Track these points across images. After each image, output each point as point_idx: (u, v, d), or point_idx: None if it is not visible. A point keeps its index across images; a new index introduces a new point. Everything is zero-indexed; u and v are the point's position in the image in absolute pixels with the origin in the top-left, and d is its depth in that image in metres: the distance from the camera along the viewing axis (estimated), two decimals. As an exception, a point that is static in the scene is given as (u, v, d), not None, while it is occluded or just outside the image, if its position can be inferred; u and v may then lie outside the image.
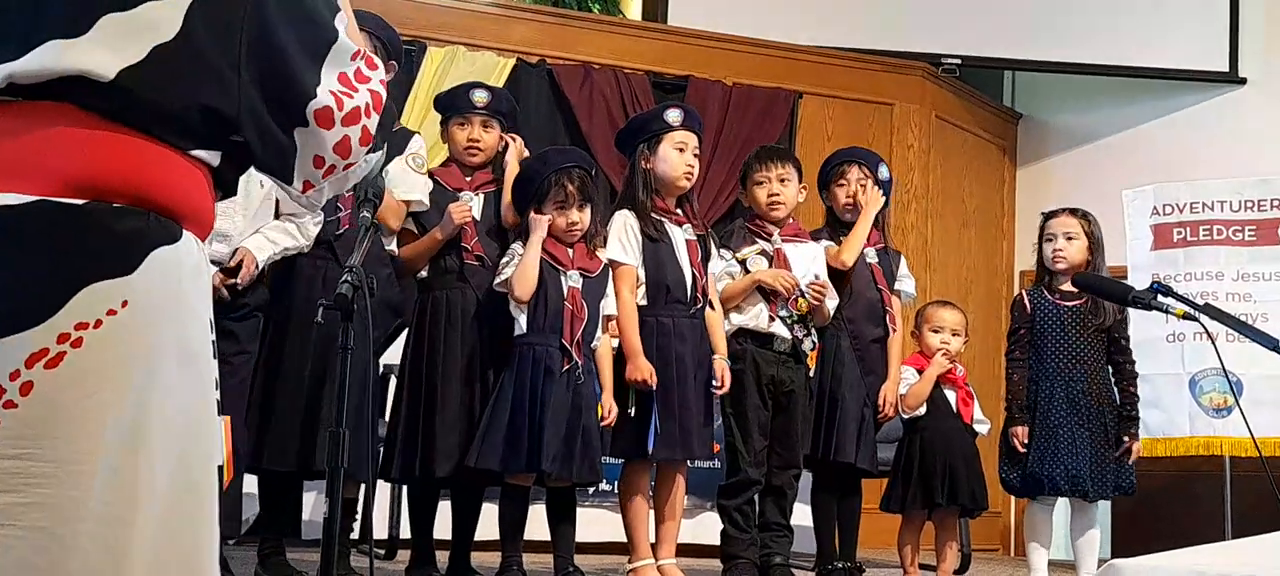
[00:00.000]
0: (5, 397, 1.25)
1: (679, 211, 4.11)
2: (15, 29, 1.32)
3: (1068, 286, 4.61)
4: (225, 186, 1.45)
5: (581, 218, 3.93)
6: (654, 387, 3.89)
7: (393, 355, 4.34)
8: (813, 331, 4.33)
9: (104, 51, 1.31)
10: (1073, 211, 4.73)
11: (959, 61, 7.47)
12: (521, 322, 3.85)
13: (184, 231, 1.36)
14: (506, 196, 4.04)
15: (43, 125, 1.30)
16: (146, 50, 1.33)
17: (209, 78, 1.36)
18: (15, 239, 1.27)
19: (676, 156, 4.06)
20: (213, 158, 1.40)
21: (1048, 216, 4.77)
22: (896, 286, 4.65)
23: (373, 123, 1.46)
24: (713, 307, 4.13)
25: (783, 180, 4.35)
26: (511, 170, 4.07)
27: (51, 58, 1.30)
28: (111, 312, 1.28)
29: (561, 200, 3.90)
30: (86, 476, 1.26)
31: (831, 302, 4.34)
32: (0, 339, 1.25)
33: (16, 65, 1.30)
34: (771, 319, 4.23)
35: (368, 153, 1.47)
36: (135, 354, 1.30)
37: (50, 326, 1.26)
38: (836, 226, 4.61)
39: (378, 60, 1.50)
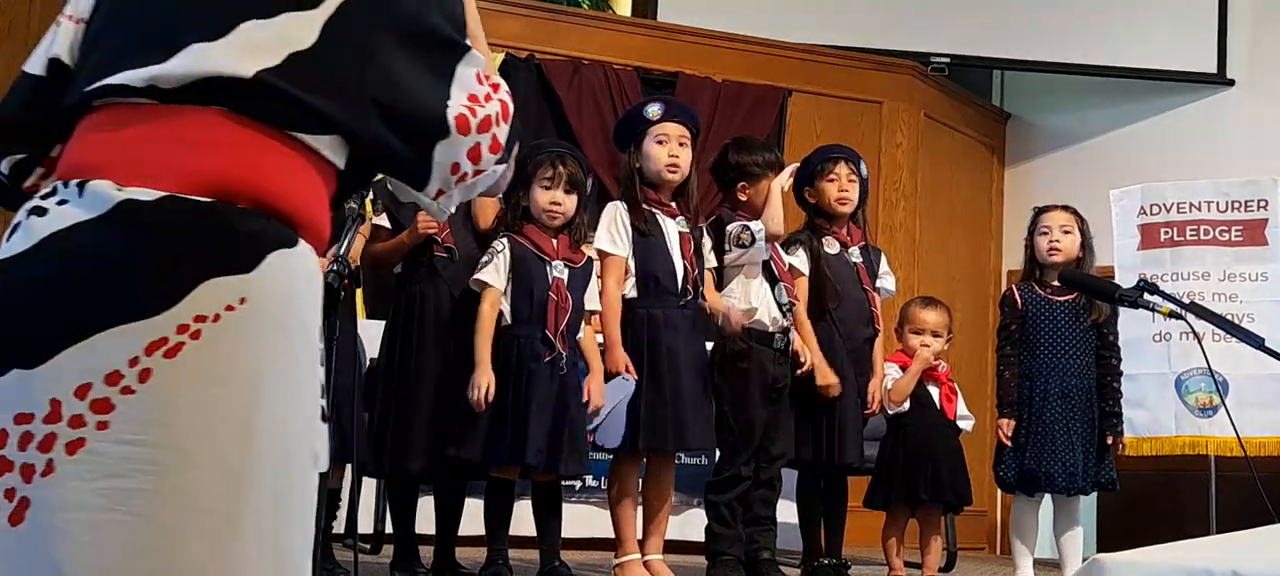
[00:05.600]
0: (123, 383, 1.27)
1: (672, 204, 4.11)
2: (161, 35, 1.39)
3: (1058, 282, 4.63)
4: (345, 194, 1.51)
5: (565, 202, 3.91)
6: (633, 378, 3.89)
7: (373, 348, 4.32)
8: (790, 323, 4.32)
9: (242, 54, 1.37)
10: (1066, 208, 4.75)
11: (948, 60, 7.48)
12: (506, 314, 3.84)
13: (299, 239, 1.39)
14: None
15: (178, 126, 1.36)
16: (283, 56, 1.39)
17: (340, 90, 1.42)
18: (143, 231, 1.31)
19: (658, 150, 4.05)
20: (341, 156, 1.44)
21: (1040, 211, 4.78)
22: (877, 283, 4.65)
23: (502, 132, 1.51)
24: (705, 299, 4.13)
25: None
26: None
27: (192, 61, 1.36)
28: (230, 308, 1.31)
29: (548, 178, 3.89)
30: (195, 468, 1.28)
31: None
32: (123, 326, 1.28)
33: (159, 68, 1.36)
34: (780, 305, 4.21)
35: (497, 161, 1.52)
36: (250, 351, 1.32)
37: (171, 316, 1.29)
38: (825, 221, 4.59)
39: (500, 80, 1.55)
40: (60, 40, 1.52)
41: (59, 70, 1.51)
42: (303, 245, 1.40)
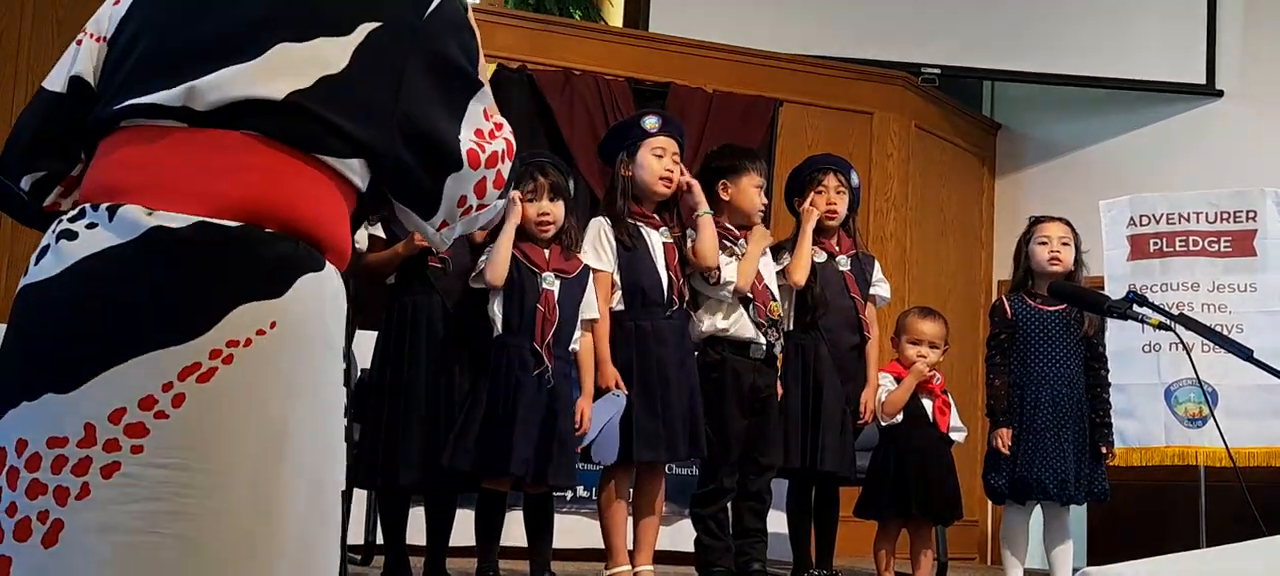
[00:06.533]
0: (157, 408, 1.29)
1: (656, 216, 4.11)
2: (195, 56, 1.41)
3: (1048, 293, 4.64)
4: (362, 217, 1.54)
5: (553, 210, 3.92)
6: (624, 393, 3.89)
7: (365, 359, 4.32)
8: (782, 334, 4.34)
9: (274, 76, 1.40)
10: (1064, 220, 4.78)
11: (939, 71, 7.50)
12: (498, 324, 3.84)
13: (326, 261, 1.42)
14: None
15: (208, 150, 1.37)
16: (314, 78, 1.41)
17: (368, 115, 1.44)
18: (175, 257, 1.32)
19: (654, 162, 4.06)
20: (364, 179, 1.46)
21: (1037, 221, 4.81)
22: (871, 291, 4.66)
23: (506, 168, 1.56)
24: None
25: (759, 187, 4.37)
26: None
27: (226, 83, 1.38)
28: (261, 332, 1.33)
29: (531, 190, 3.90)
30: (229, 490, 1.30)
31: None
32: (156, 351, 1.30)
33: (193, 89, 1.38)
34: (757, 325, 4.22)
35: (499, 196, 1.56)
36: (280, 374, 1.34)
37: (204, 341, 1.31)
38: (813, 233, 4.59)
39: (503, 120, 1.59)
40: (82, 58, 1.53)
41: (80, 88, 1.51)
42: (329, 267, 1.42)
